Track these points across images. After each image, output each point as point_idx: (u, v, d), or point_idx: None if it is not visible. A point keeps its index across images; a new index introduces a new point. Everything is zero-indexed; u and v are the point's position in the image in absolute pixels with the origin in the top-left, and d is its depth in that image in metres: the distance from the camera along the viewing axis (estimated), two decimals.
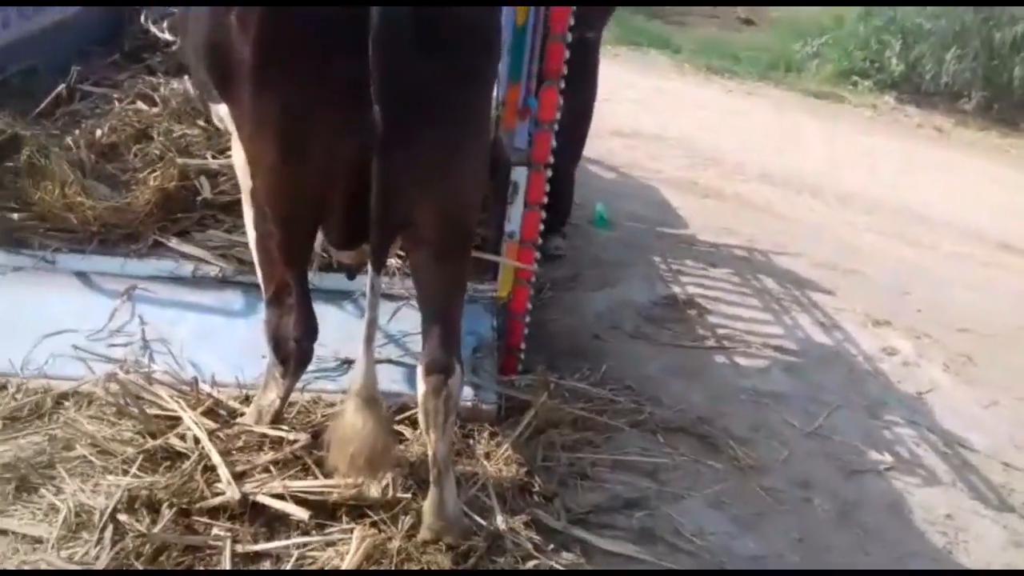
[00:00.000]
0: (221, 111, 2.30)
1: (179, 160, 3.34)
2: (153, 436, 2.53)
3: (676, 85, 9.17)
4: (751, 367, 4.00)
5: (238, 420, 2.62)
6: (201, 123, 3.70)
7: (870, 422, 3.64)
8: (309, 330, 2.39)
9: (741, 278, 5.11)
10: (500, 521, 2.44)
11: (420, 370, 2.28)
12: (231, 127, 2.28)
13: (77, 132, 3.42)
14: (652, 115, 7.73)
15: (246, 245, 3.13)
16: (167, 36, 4.59)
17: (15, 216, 3.10)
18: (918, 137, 8.66)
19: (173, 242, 3.16)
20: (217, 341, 2.93)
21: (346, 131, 1.92)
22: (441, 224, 2.14)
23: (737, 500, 2.90)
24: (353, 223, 2.10)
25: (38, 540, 2.17)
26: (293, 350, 2.44)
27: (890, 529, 2.93)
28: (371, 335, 2.12)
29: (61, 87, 3.74)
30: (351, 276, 2.81)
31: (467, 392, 2.76)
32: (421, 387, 2.28)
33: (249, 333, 2.94)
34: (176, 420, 2.59)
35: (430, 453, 2.31)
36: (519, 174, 3.03)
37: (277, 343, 2.49)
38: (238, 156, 2.29)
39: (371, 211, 1.94)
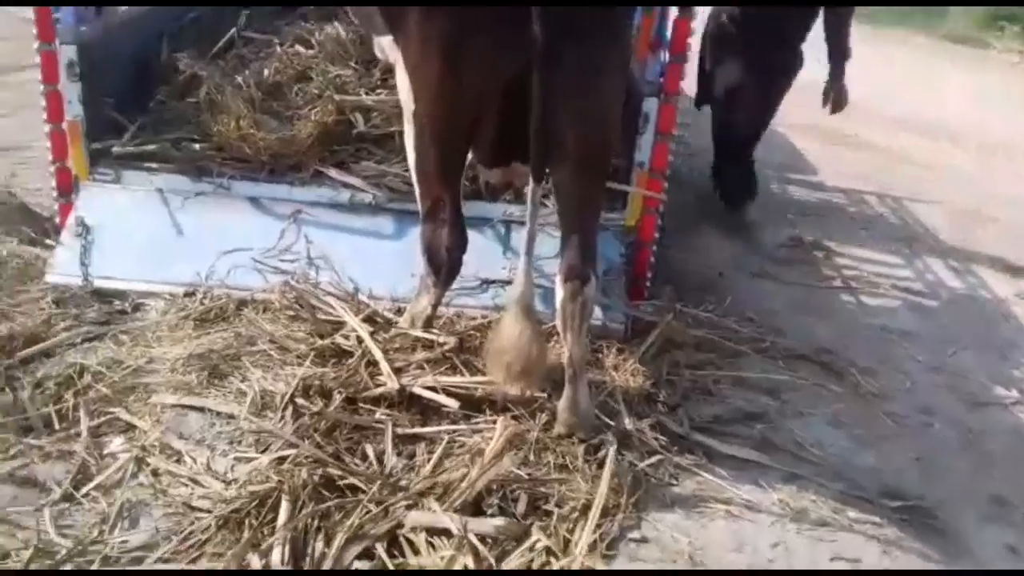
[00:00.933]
0: (384, 42, 2.56)
1: (336, 97, 3.64)
2: (322, 336, 2.85)
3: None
4: (879, 306, 4.04)
5: (395, 325, 2.90)
6: (353, 64, 3.99)
7: (998, 362, 3.64)
8: (460, 241, 2.67)
9: (869, 220, 5.10)
10: (627, 423, 2.64)
11: (559, 277, 2.49)
12: (393, 56, 2.52)
13: (247, 72, 3.76)
14: None
15: (396, 175, 3.44)
16: None
17: (196, 146, 3.48)
18: None
19: (332, 172, 3.46)
20: (371, 260, 3.23)
21: (507, 50, 2.14)
22: (586, 139, 2.34)
23: (857, 421, 3.00)
24: (504, 141, 2.33)
25: (231, 416, 2.51)
26: (445, 259, 2.69)
27: (1015, 458, 2.96)
28: (531, 247, 2.38)
29: (232, 31, 4.10)
30: (495, 197, 3.05)
31: (596, 312, 2.94)
32: (560, 292, 2.49)
33: (399, 254, 3.23)
34: (340, 324, 2.90)
35: (565, 355, 2.53)
36: (650, 105, 3.18)
37: (431, 253, 2.73)
38: (402, 81, 2.53)
39: (532, 123, 2.16)
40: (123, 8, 3.61)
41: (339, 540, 1.98)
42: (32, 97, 5.72)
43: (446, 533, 2.03)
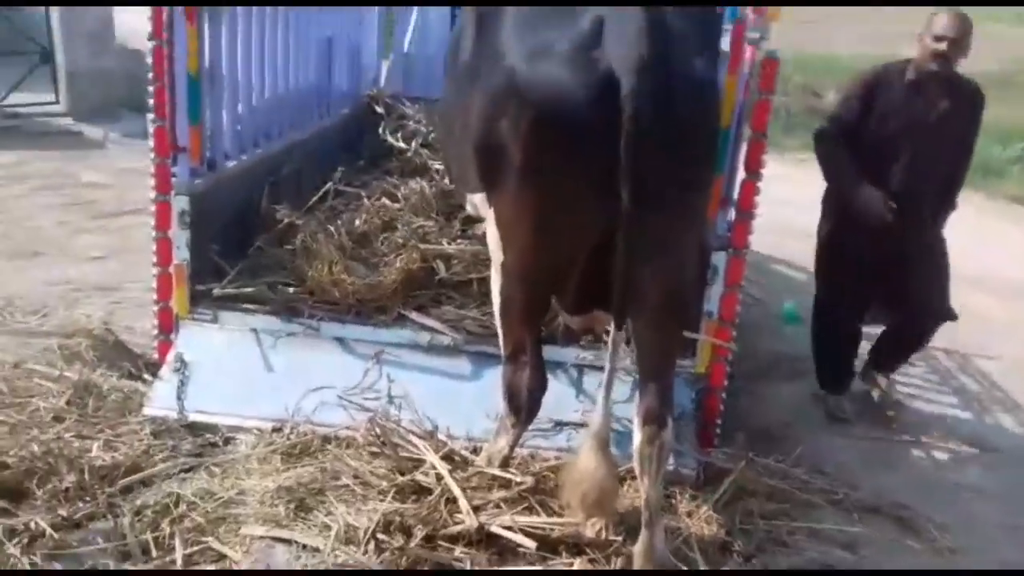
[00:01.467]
0: (476, 199, 2.78)
1: (420, 246, 3.89)
2: (402, 473, 2.95)
3: None
4: (949, 461, 4.00)
5: (472, 463, 3.00)
6: (435, 216, 4.27)
7: None
8: (541, 382, 2.82)
9: (939, 376, 5.08)
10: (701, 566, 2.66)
11: (637, 421, 2.59)
12: (484, 210, 2.74)
13: (339, 222, 4.05)
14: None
15: (474, 319, 3.61)
16: (401, 144, 5.30)
17: (290, 290, 3.72)
18: None
19: (414, 315, 3.65)
20: (449, 400, 3.36)
21: (595, 218, 2.35)
22: (666, 293, 2.50)
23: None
24: (588, 291, 2.51)
25: (316, 549, 2.60)
26: (525, 400, 2.81)
27: None
28: (610, 384, 2.51)
29: (330, 185, 4.44)
30: (568, 342, 3.33)
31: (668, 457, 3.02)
32: (637, 436, 2.58)
33: (476, 394, 3.36)
34: (420, 462, 3.00)
35: (643, 498, 2.58)
36: (719, 258, 3.34)
37: (511, 394, 2.86)
38: (491, 233, 2.72)
39: (615, 278, 2.33)
40: (231, 162, 3.95)
41: None
42: (130, 241, 6.22)
43: None
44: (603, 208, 2.30)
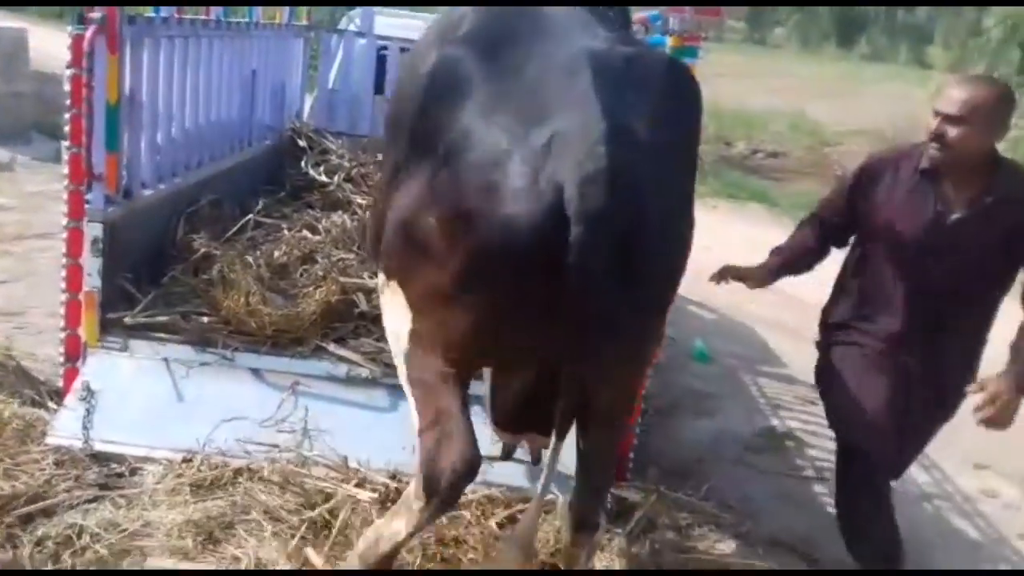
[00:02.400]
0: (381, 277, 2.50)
1: (340, 279, 3.89)
2: (312, 507, 2.93)
3: (776, 234, 9.56)
4: None
5: (355, 547, 2.56)
6: (356, 249, 4.29)
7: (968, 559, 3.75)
8: (471, 461, 2.18)
9: None
10: None
11: (569, 521, 2.44)
12: (388, 290, 2.42)
13: (257, 253, 4.03)
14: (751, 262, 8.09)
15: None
16: (323, 178, 5.31)
17: (205, 319, 3.66)
18: None
19: (331, 347, 3.65)
20: (367, 432, 3.35)
21: (535, 343, 2.13)
22: (612, 410, 2.34)
23: None
24: (523, 415, 2.44)
25: None
26: (447, 482, 2.17)
27: None
28: (543, 496, 2.36)
29: (250, 216, 4.41)
30: (535, 461, 3.10)
31: None
32: (567, 535, 2.46)
33: (395, 426, 3.35)
34: (332, 494, 2.99)
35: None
36: None
37: (429, 471, 2.21)
38: (392, 305, 2.40)
39: (559, 405, 2.19)
40: (149, 191, 3.89)
41: None
42: (34, 265, 6.05)
43: None
44: (546, 335, 2.05)
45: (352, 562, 2.47)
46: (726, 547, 3.32)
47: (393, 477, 3.13)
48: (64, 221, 3.46)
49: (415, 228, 2.17)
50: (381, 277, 2.44)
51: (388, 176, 2.46)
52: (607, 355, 2.10)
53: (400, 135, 2.36)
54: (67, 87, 3.32)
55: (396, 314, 2.35)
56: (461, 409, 2.24)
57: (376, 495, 3.05)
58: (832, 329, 3.31)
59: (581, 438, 2.36)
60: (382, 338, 3.65)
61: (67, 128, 3.35)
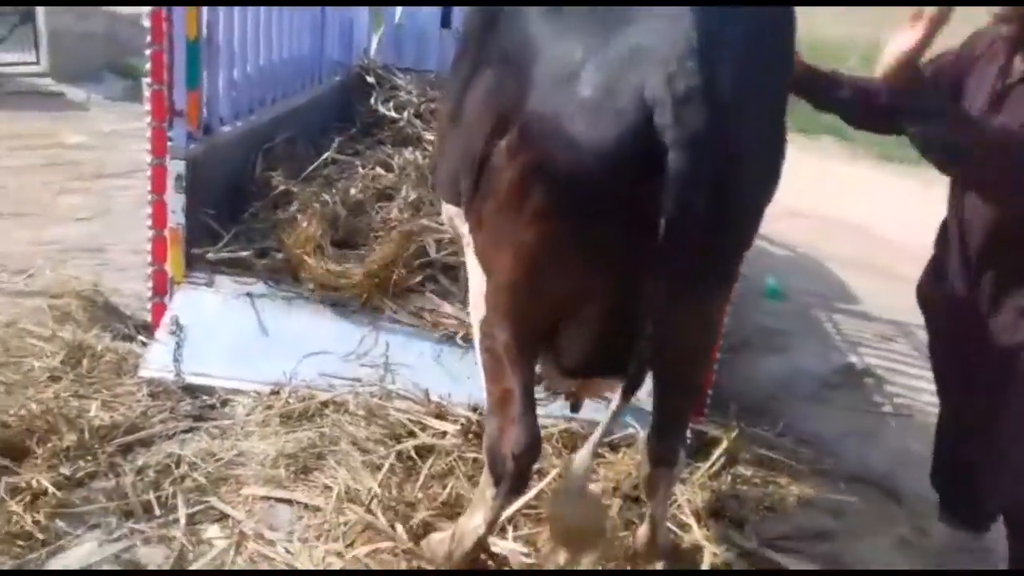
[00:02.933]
0: (451, 211, 2.42)
1: (414, 226, 3.85)
2: (398, 439, 2.99)
3: (850, 169, 9.28)
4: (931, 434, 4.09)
5: (431, 538, 2.53)
6: (430, 187, 4.28)
7: None
8: (532, 445, 2.16)
9: (922, 353, 5.17)
10: (699, 536, 2.72)
11: (648, 455, 2.39)
12: (461, 229, 2.36)
13: (333, 191, 4.06)
14: (824, 198, 7.89)
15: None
16: (392, 114, 5.30)
17: (280, 256, 3.71)
18: None
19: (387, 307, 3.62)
20: (447, 367, 3.40)
21: (607, 282, 1.95)
22: (696, 347, 2.25)
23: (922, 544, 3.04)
24: (592, 357, 2.13)
25: (317, 508, 2.63)
26: (511, 468, 2.17)
27: None
28: (599, 441, 2.15)
29: (327, 154, 4.43)
30: (575, 408, 2.88)
31: None
32: (646, 469, 2.41)
33: (472, 363, 3.39)
34: (417, 426, 3.05)
35: (649, 512, 2.54)
36: None
37: (493, 458, 2.22)
38: (472, 259, 2.27)
39: (639, 348, 1.91)
40: (226, 127, 3.93)
41: None
42: (113, 204, 6.18)
43: None
44: (620, 274, 1.91)
45: (442, 564, 2.43)
46: (807, 483, 3.30)
47: (474, 410, 3.17)
48: (147, 159, 3.51)
49: (486, 169, 2.03)
50: (464, 230, 2.30)
51: (458, 89, 2.29)
52: (696, 293, 1.97)
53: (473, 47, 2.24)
54: (147, 23, 3.33)
55: (475, 275, 2.25)
56: (524, 390, 2.17)
57: (459, 427, 3.10)
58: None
59: (661, 375, 2.25)
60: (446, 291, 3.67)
61: (147, 65, 3.38)
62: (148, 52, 3.36)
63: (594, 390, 2.67)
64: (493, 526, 2.37)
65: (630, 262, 1.85)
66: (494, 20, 2.11)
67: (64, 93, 9.06)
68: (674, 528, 2.75)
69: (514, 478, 2.19)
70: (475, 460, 2.92)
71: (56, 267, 4.57)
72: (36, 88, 8.91)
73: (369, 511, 2.57)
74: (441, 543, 2.45)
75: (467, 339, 3.47)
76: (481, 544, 2.37)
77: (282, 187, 3.96)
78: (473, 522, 2.35)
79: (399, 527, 2.53)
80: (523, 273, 2.00)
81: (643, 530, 2.56)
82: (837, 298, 6.06)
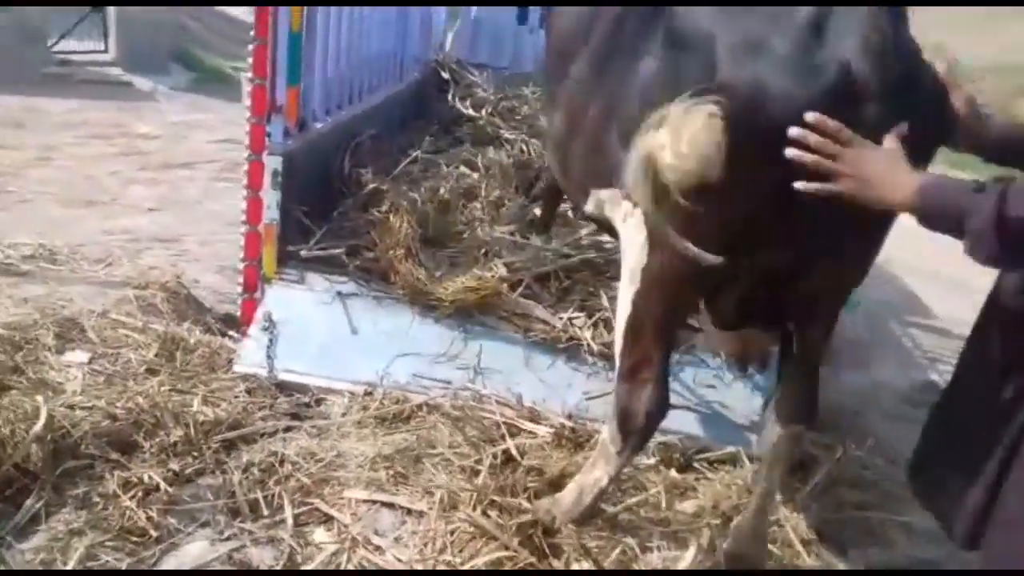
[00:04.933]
0: (606, 195, 2.56)
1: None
2: (493, 443, 2.97)
3: None
4: None
5: (556, 497, 2.67)
6: (514, 187, 4.26)
7: None
8: (663, 405, 2.42)
9: None
10: (808, 561, 2.66)
11: (781, 415, 2.48)
12: (618, 211, 2.49)
13: (422, 190, 4.05)
14: None
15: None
16: (471, 112, 5.28)
17: (370, 254, 3.70)
18: None
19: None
20: (540, 372, 3.37)
21: (789, 230, 2.05)
22: (836, 308, 2.44)
23: None
24: (748, 306, 2.34)
25: (421, 513, 2.62)
26: (641, 424, 2.42)
27: None
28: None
29: (417, 153, 4.43)
30: (743, 369, 3.10)
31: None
32: (778, 431, 2.49)
33: (568, 371, 3.39)
34: (513, 430, 3.02)
35: (761, 487, 2.56)
36: None
37: (625, 416, 2.44)
38: (632, 235, 2.40)
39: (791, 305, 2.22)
40: (319, 124, 3.93)
41: None
42: (182, 194, 6.24)
43: None
44: (801, 221, 1.99)
45: (562, 519, 2.57)
46: (904, 507, 3.21)
47: (569, 417, 3.14)
48: (246, 154, 3.52)
49: None
50: (623, 210, 2.43)
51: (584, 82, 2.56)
52: (858, 249, 2.17)
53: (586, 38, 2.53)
54: (251, 18, 3.34)
55: (636, 248, 2.35)
56: (663, 358, 2.42)
57: (552, 431, 3.07)
58: None
59: (799, 336, 2.42)
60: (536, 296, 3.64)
61: (250, 60, 3.38)
62: (251, 47, 3.37)
63: (754, 345, 2.88)
64: (614, 479, 2.58)
65: (806, 211, 1.92)
66: (644, 20, 2.36)
67: (132, 83, 9.19)
68: (774, 549, 2.69)
69: (642, 435, 2.47)
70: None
71: (133, 257, 4.63)
72: (105, 77, 9.04)
73: (485, 514, 2.54)
74: (558, 502, 2.62)
75: (557, 342, 3.47)
76: (598, 500, 2.58)
77: (372, 185, 3.95)
78: (593, 475, 2.58)
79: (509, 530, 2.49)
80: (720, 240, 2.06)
81: (748, 523, 2.56)
82: (907, 308, 5.94)
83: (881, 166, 1.79)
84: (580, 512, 2.57)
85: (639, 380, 2.42)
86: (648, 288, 2.34)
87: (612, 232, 2.76)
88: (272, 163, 3.50)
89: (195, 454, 2.73)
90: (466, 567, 2.35)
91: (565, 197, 4.19)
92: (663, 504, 2.82)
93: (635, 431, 2.45)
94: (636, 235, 2.35)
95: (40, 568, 2.25)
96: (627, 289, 2.43)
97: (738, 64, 1.99)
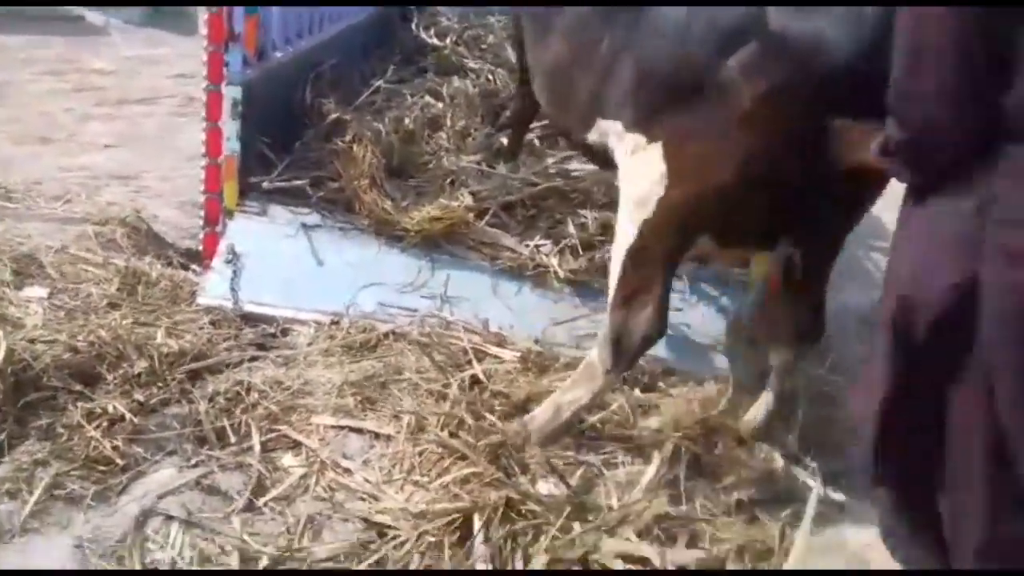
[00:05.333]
0: (606, 127, 2.59)
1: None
2: (459, 368, 2.98)
3: None
4: None
5: (530, 414, 2.73)
6: (480, 116, 4.21)
7: None
8: (661, 328, 2.50)
9: None
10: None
11: (793, 331, 2.67)
12: (620, 140, 2.53)
13: (386, 120, 3.98)
14: None
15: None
16: (435, 41, 5.18)
17: (335, 184, 3.65)
18: None
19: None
20: (507, 300, 3.38)
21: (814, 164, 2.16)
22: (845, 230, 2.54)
23: None
24: (749, 229, 2.45)
25: (389, 437, 2.64)
26: (637, 345, 2.50)
27: None
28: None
29: (379, 82, 4.34)
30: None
31: None
32: (783, 356, 2.73)
33: (538, 298, 3.41)
34: (480, 355, 3.05)
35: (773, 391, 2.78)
36: None
37: (619, 337, 2.51)
38: (639, 167, 2.46)
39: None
40: (278, 53, 3.84)
41: (540, 561, 2.08)
42: (139, 129, 6.11)
43: (641, 561, 2.12)
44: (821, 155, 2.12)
45: (537, 436, 2.63)
46: None
47: (536, 342, 3.16)
48: (203, 84, 3.44)
49: (695, 64, 2.23)
50: (632, 142, 2.45)
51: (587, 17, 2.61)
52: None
53: None
54: None
55: (649, 180, 2.39)
56: (666, 284, 2.49)
57: (519, 355, 3.09)
58: None
59: (807, 263, 2.50)
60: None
61: None
62: None
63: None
64: (598, 399, 2.66)
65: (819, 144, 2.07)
66: None
67: (83, 17, 8.89)
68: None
69: (634, 356, 2.56)
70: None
71: (91, 194, 4.54)
72: (56, 13, 8.73)
73: (454, 435, 2.57)
74: (533, 419, 2.67)
75: (524, 270, 3.48)
76: (576, 418, 2.64)
77: (335, 115, 3.88)
78: (573, 394, 2.64)
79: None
80: (736, 175, 2.22)
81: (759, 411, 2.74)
82: (871, 232, 5.97)
83: None
84: (555, 429, 2.64)
85: (639, 303, 2.48)
86: (664, 217, 2.39)
87: (603, 162, 2.80)
88: (231, 93, 3.42)
89: (160, 385, 2.73)
90: (434, 486, 2.37)
91: (532, 126, 4.18)
92: (627, 422, 2.87)
93: (630, 353, 2.53)
94: (649, 168, 2.38)
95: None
96: (632, 217, 2.47)
97: (779, 24, 2.08)
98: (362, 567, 2.10)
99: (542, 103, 3.27)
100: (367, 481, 2.44)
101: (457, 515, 2.20)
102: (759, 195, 2.26)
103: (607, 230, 3.57)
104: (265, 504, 2.36)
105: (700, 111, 2.25)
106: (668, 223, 2.41)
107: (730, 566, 2.16)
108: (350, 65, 4.57)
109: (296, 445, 2.61)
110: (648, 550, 2.12)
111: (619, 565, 2.11)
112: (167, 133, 6.06)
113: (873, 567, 2.22)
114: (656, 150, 2.36)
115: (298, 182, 3.61)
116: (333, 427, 2.69)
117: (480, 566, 2.06)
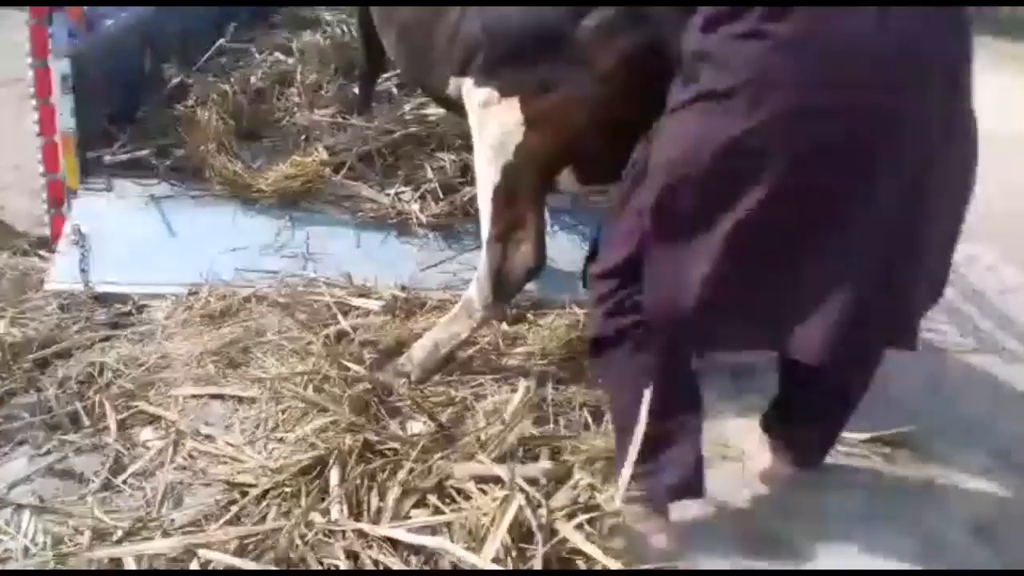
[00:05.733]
0: (461, 82, 2.56)
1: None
2: (324, 324, 2.96)
3: None
4: None
5: (405, 351, 2.79)
6: (332, 71, 4.12)
7: None
8: (542, 260, 2.59)
9: None
10: None
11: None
12: (475, 95, 2.52)
13: (232, 80, 3.85)
14: None
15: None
16: None
17: (180, 152, 3.53)
18: None
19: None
20: (371, 252, 3.35)
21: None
22: None
23: None
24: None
25: (252, 400, 2.60)
26: (519, 280, 2.59)
27: None
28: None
29: (222, 41, 4.19)
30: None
31: None
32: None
33: (402, 248, 3.39)
34: (344, 311, 3.03)
35: None
36: None
37: (503, 275, 2.58)
38: (499, 116, 2.48)
39: None
40: (109, 21, 3.66)
41: (394, 493, 2.10)
42: None
43: (494, 481, 2.15)
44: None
45: (417, 373, 2.72)
46: None
47: (403, 289, 3.15)
48: (28, 60, 3.27)
49: (562, 43, 2.30)
50: (484, 94, 2.48)
51: None
52: None
53: None
54: None
55: (505, 128, 2.46)
56: (539, 217, 2.58)
57: (383, 303, 3.09)
58: None
59: None
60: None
61: None
62: None
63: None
64: (476, 332, 2.75)
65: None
66: None
67: None
68: None
69: (514, 290, 2.65)
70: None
71: None
72: None
73: (319, 390, 2.55)
74: (409, 358, 2.75)
75: (386, 219, 3.45)
76: (454, 352, 2.74)
77: (176, 79, 3.74)
78: (451, 330, 2.73)
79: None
80: (594, 120, 2.33)
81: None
82: None
83: None
84: (434, 364, 2.74)
85: (515, 240, 2.57)
86: (524, 161, 2.47)
87: (460, 110, 2.76)
88: (59, 67, 3.26)
89: (3, 376, 2.62)
90: (292, 439, 2.36)
91: (387, 75, 4.12)
92: (495, 354, 2.90)
93: (511, 287, 2.62)
94: (504, 117, 2.45)
95: None
96: (493, 161, 2.53)
97: None
98: (220, 523, 2.08)
99: (394, 60, 3.22)
100: (229, 445, 2.41)
101: (311, 463, 2.20)
102: (615, 137, 2.31)
103: (467, 171, 3.57)
104: (124, 481, 2.31)
105: (557, 65, 2.35)
106: (529, 165, 2.48)
107: (577, 474, 2.21)
108: (194, 27, 4.40)
109: (155, 420, 2.56)
110: (498, 468, 2.15)
111: (472, 486, 2.14)
112: (18, 119, 5.75)
113: None
114: (511, 102, 2.44)
115: (142, 153, 3.48)
116: (194, 396, 2.64)
117: (335, 507, 2.07)
